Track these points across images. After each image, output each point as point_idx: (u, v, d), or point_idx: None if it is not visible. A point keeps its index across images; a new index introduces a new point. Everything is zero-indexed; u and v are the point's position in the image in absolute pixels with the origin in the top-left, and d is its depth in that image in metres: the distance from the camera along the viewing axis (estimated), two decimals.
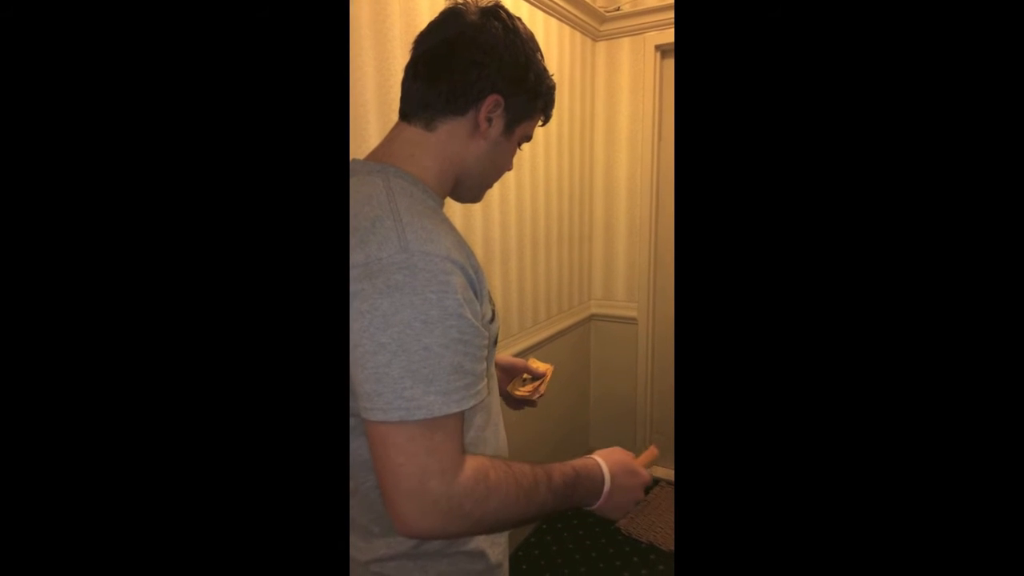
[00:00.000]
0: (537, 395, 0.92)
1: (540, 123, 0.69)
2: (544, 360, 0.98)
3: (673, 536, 1.90)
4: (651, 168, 2.10)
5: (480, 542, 0.66)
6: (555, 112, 0.71)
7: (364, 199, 0.56)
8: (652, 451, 0.75)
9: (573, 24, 1.93)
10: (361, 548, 0.64)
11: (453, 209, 1.48)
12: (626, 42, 2.07)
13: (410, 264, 0.51)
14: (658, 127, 2.08)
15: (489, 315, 0.61)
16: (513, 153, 0.69)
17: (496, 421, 0.69)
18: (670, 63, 2.04)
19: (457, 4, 0.63)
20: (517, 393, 0.91)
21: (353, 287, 0.51)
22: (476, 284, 0.57)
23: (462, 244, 0.59)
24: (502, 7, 0.63)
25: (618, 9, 2.02)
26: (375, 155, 0.64)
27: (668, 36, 1.98)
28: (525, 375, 0.93)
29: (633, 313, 2.24)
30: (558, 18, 1.85)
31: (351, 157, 0.64)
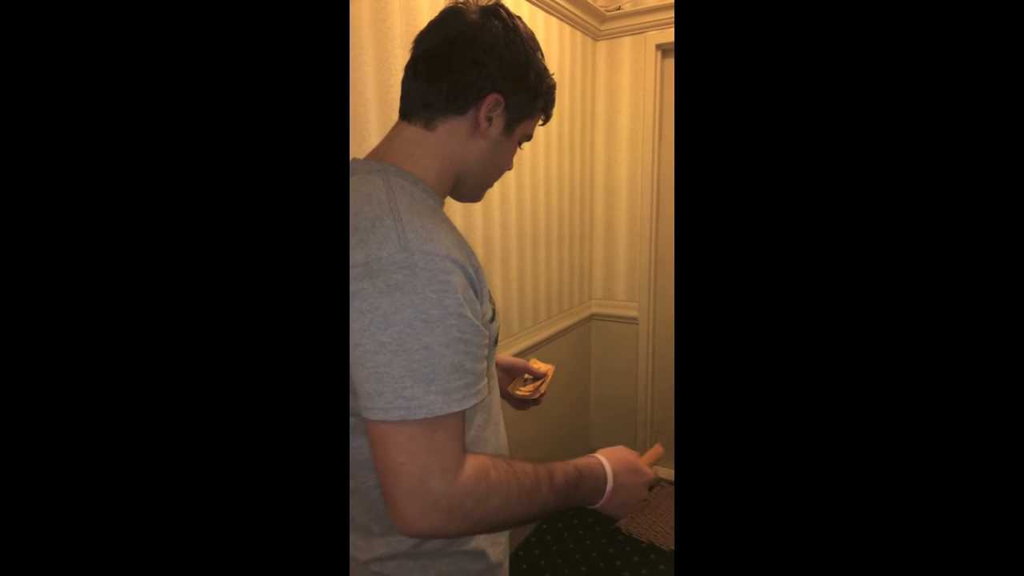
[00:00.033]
0: (538, 395, 0.92)
1: (540, 122, 0.69)
2: (545, 360, 0.98)
3: (673, 536, 1.90)
4: (652, 167, 2.10)
5: (480, 541, 0.66)
6: (556, 111, 0.71)
7: (364, 198, 0.56)
8: (657, 449, 0.75)
9: (574, 23, 1.93)
10: (361, 547, 0.64)
11: (453, 208, 1.48)
12: (627, 41, 2.07)
13: (410, 263, 0.51)
14: (659, 126, 2.08)
15: (489, 314, 0.61)
16: (513, 152, 0.69)
17: (496, 421, 0.69)
18: (671, 62, 2.04)
19: (457, 3, 0.62)
20: (518, 393, 0.91)
21: (353, 286, 0.51)
22: (476, 283, 0.57)
23: (462, 243, 0.59)
24: (502, 6, 0.63)
25: (619, 8, 2.02)
26: (375, 154, 0.64)
27: (669, 35, 1.98)
28: (526, 375, 0.93)
29: (634, 313, 2.24)
30: (559, 17, 1.85)
31: (351, 156, 0.64)
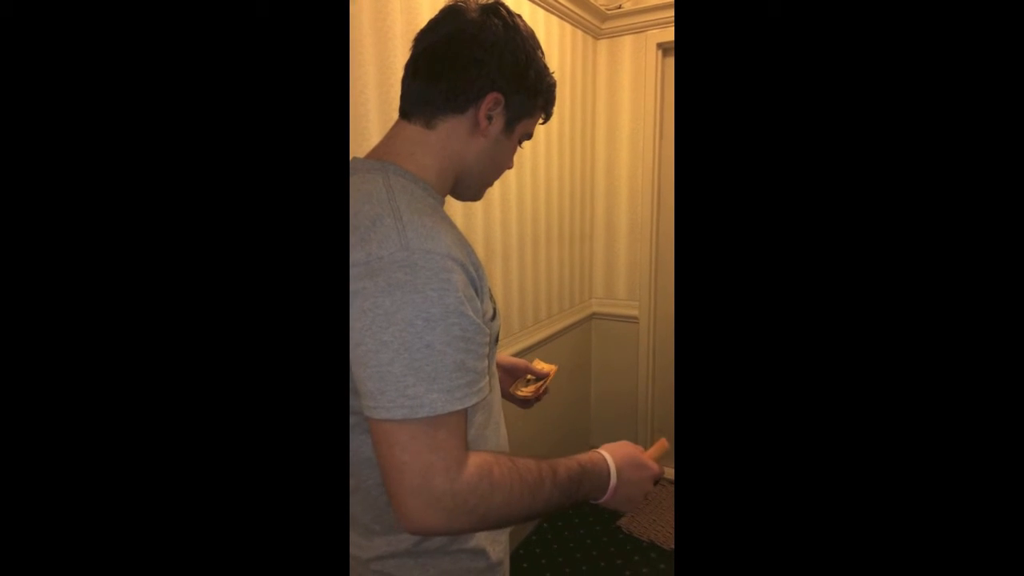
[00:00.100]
0: (540, 395, 0.92)
1: (541, 121, 0.69)
2: (545, 359, 0.98)
3: (674, 534, 1.90)
4: (652, 166, 2.10)
5: (481, 540, 0.66)
6: (556, 110, 0.71)
7: (364, 197, 0.56)
8: (662, 444, 0.75)
9: (574, 22, 1.92)
10: (362, 546, 0.64)
11: (454, 208, 1.48)
12: (628, 40, 2.07)
13: (411, 262, 0.51)
14: (659, 125, 2.08)
15: (490, 313, 0.61)
16: (514, 151, 0.69)
17: (497, 419, 0.69)
18: (672, 61, 2.03)
19: (457, 2, 0.62)
20: (519, 394, 0.91)
21: (354, 285, 0.51)
22: (477, 282, 0.57)
23: (462, 242, 0.59)
24: (503, 5, 0.63)
25: (620, 7, 2.02)
26: (375, 153, 0.64)
27: (670, 34, 1.98)
28: (529, 376, 0.93)
29: (634, 312, 2.24)
30: (559, 16, 1.84)
31: (352, 155, 0.64)
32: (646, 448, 0.72)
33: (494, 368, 0.68)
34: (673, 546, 1.88)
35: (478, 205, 1.57)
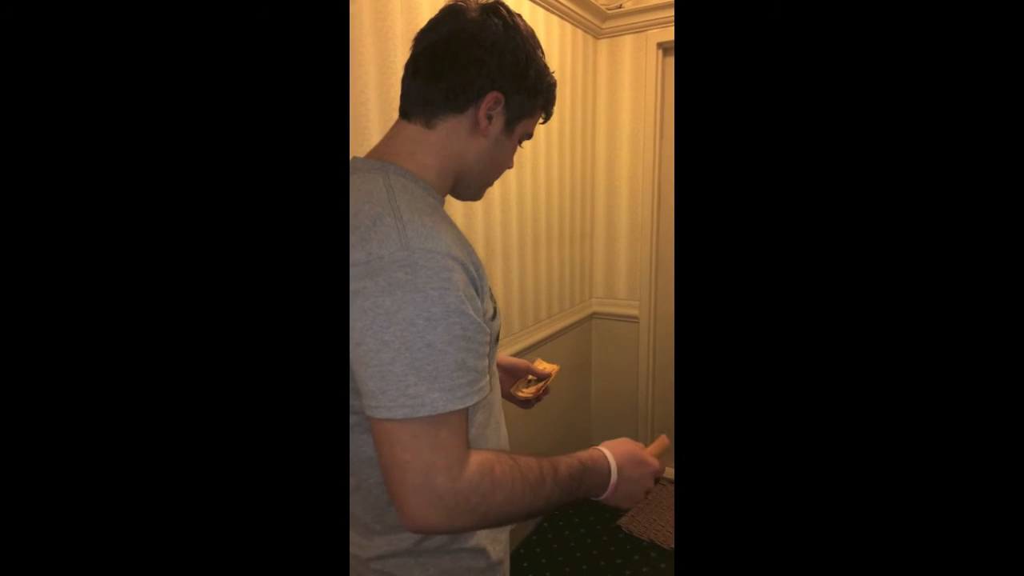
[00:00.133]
0: (541, 395, 0.92)
1: (541, 120, 0.69)
2: (545, 358, 0.98)
3: (674, 534, 1.90)
4: (653, 166, 2.10)
5: (481, 539, 0.66)
6: (556, 110, 0.71)
7: (364, 197, 0.56)
8: (663, 440, 0.75)
9: (575, 22, 1.92)
10: (362, 545, 0.64)
11: (455, 207, 1.48)
12: (628, 40, 2.07)
13: (411, 261, 0.51)
14: (660, 125, 2.08)
15: (491, 312, 0.61)
16: (514, 151, 0.69)
17: (497, 419, 0.69)
18: (672, 61, 2.03)
19: (457, 1, 0.62)
20: (520, 394, 0.91)
21: (354, 285, 0.51)
22: (477, 281, 0.57)
23: (463, 241, 0.59)
24: (502, 4, 0.63)
25: (620, 7, 2.02)
26: (375, 153, 0.64)
27: (670, 34, 1.97)
28: (530, 377, 0.93)
29: (635, 311, 2.24)
30: (559, 16, 1.84)
31: (352, 155, 0.64)
32: (646, 445, 0.72)
33: (494, 368, 0.68)
34: (673, 545, 1.88)
35: (478, 205, 1.57)
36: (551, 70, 0.67)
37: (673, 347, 2.15)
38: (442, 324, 0.51)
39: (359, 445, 0.60)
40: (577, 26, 1.95)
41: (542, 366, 0.93)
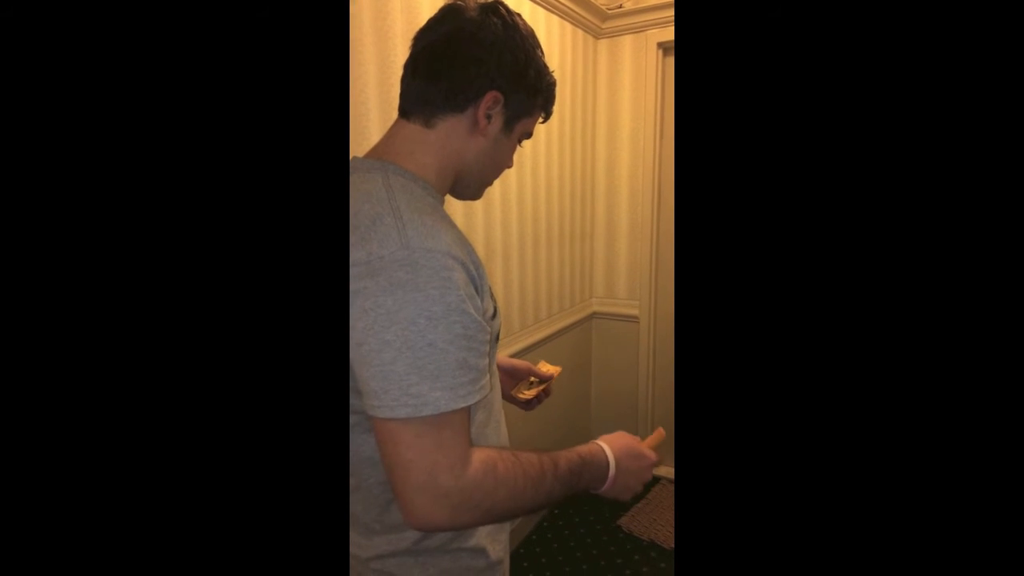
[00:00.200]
0: (542, 396, 0.92)
1: (541, 120, 0.69)
2: (545, 358, 0.97)
3: (674, 534, 1.90)
4: (653, 166, 2.10)
5: (481, 538, 0.67)
6: (557, 110, 0.71)
7: (363, 196, 0.56)
8: (659, 433, 0.76)
9: (575, 22, 1.92)
10: (362, 545, 0.64)
11: (455, 207, 1.48)
12: (628, 39, 2.07)
13: (412, 261, 0.51)
14: (660, 125, 2.08)
15: (491, 311, 0.61)
16: (513, 150, 0.69)
17: (498, 418, 0.69)
18: (672, 60, 2.03)
19: (457, 1, 0.62)
20: (521, 396, 0.91)
21: (354, 285, 0.51)
22: (477, 280, 0.57)
23: (462, 240, 0.59)
24: (502, 4, 0.63)
25: (620, 6, 2.02)
26: (374, 152, 0.64)
27: (670, 34, 1.97)
28: (532, 378, 0.93)
29: (635, 311, 2.24)
30: (560, 16, 1.84)
31: (352, 155, 0.64)
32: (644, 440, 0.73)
33: (495, 367, 0.68)
34: (673, 545, 1.88)
35: (478, 204, 1.57)
36: (551, 69, 0.67)
37: (673, 347, 2.15)
38: (443, 323, 0.51)
39: (359, 445, 0.60)
40: (577, 26, 1.95)
41: (545, 368, 0.93)
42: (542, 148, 1.85)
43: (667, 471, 2.30)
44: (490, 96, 0.61)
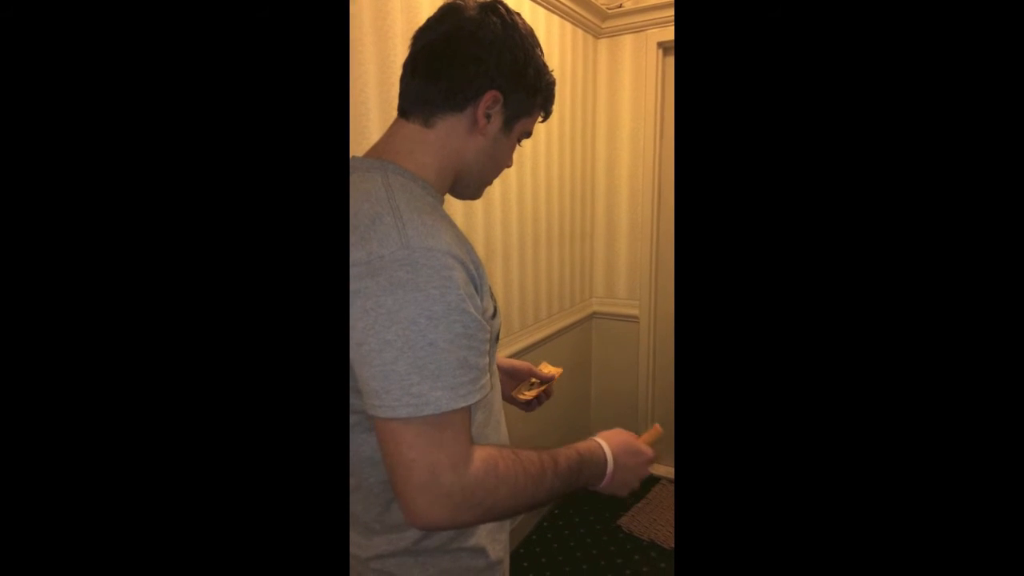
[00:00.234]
0: (543, 397, 0.91)
1: (540, 119, 0.69)
2: (545, 358, 0.97)
3: (674, 534, 1.90)
4: (653, 166, 2.10)
5: (481, 538, 0.67)
6: (557, 110, 0.71)
7: (363, 196, 0.56)
8: (656, 429, 0.77)
9: (575, 21, 1.92)
10: (362, 545, 0.64)
11: (455, 207, 1.48)
12: (628, 39, 2.07)
13: (412, 260, 0.51)
14: (660, 125, 2.08)
15: (491, 310, 0.61)
16: (512, 149, 0.69)
17: (498, 418, 0.69)
18: (672, 60, 2.03)
19: (456, 0, 0.62)
20: (522, 397, 0.90)
21: (355, 285, 0.51)
22: (477, 279, 0.57)
23: (462, 239, 0.59)
24: (501, 3, 0.63)
25: (620, 6, 2.02)
26: (374, 152, 0.64)
27: (670, 33, 1.97)
28: (533, 380, 0.93)
29: (635, 311, 2.24)
30: (560, 15, 1.84)
31: (352, 154, 0.64)
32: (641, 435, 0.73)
33: (495, 366, 0.68)
34: (673, 545, 1.88)
35: (478, 204, 1.57)
36: (550, 69, 0.67)
37: (673, 347, 2.15)
38: (444, 322, 0.51)
39: (359, 445, 0.60)
40: (577, 25, 1.95)
41: (547, 369, 0.93)
42: (542, 148, 1.85)
43: (667, 471, 2.31)
44: (489, 95, 0.61)
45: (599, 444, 0.66)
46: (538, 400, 0.91)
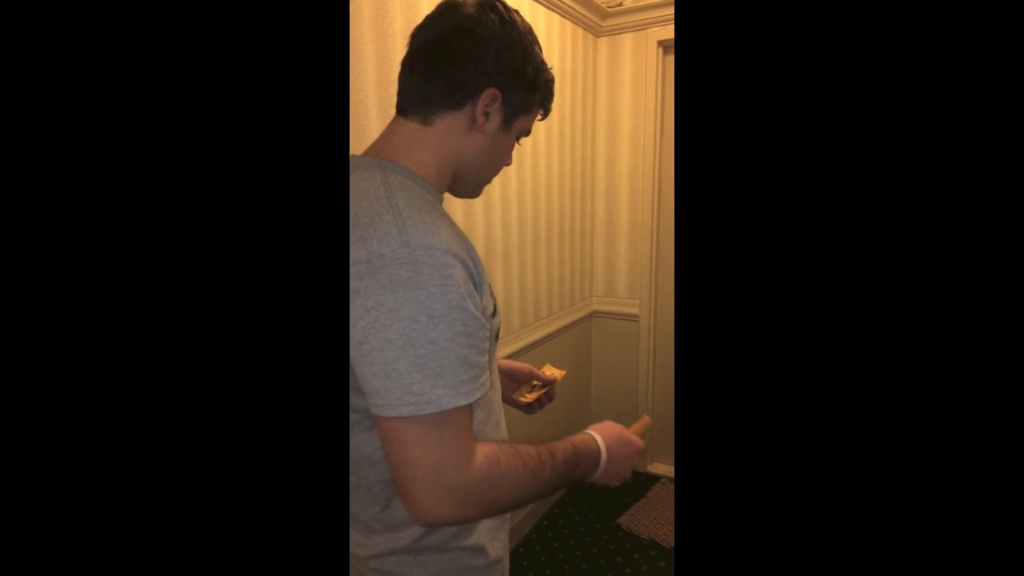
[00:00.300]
0: (546, 401, 0.91)
1: (539, 117, 0.69)
2: (545, 357, 0.97)
3: (674, 532, 1.90)
4: (653, 164, 2.10)
5: (481, 537, 0.67)
6: (557, 108, 0.71)
7: (362, 194, 0.56)
8: (645, 420, 0.80)
9: (575, 20, 1.92)
10: (361, 544, 0.64)
11: (454, 206, 1.48)
12: (628, 38, 2.06)
13: (412, 259, 0.51)
14: (660, 123, 2.08)
15: (491, 309, 0.61)
16: (511, 148, 0.69)
17: (497, 416, 0.69)
18: (672, 59, 2.03)
19: None
20: (523, 399, 0.90)
21: (355, 284, 0.51)
22: (476, 277, 0.57)
23: (462, 238, 0.59)
24: (499, 0, 0.63)
25: (620, 4, 2.01)
26: (372, 150, 0.64)
27: (670, 32, 1.97)
28: (535, 382, 0.92)
29: (635, 310, 2.24)
30: (560, 14, 1.84)
31: (351, 153, 0.64)
32: (645, 441, 0.74)
33: (495, 365, 0.69)
34: (673, 544, 1.89)
35: (478, 203, 1.57)
36: (549, 66, 0.67)
37: (673, 346, 2.15)
38: (444, 321, 0.51)
39: (359, 443, 0.60)
40: (577, 24, 1.95)
41: (550, 371, 0.92)
42: (542, 146, 1.85)
43: (667, 469, 2.31)
44: (488, 93, 0.61)
45: (592, 436, 0.67)
46: (539, 403, 0.91)
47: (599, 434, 0.68)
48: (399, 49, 1.23)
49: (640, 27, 2.02)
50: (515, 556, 1.87)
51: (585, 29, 2.00)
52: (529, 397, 0.90)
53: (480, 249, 1.60)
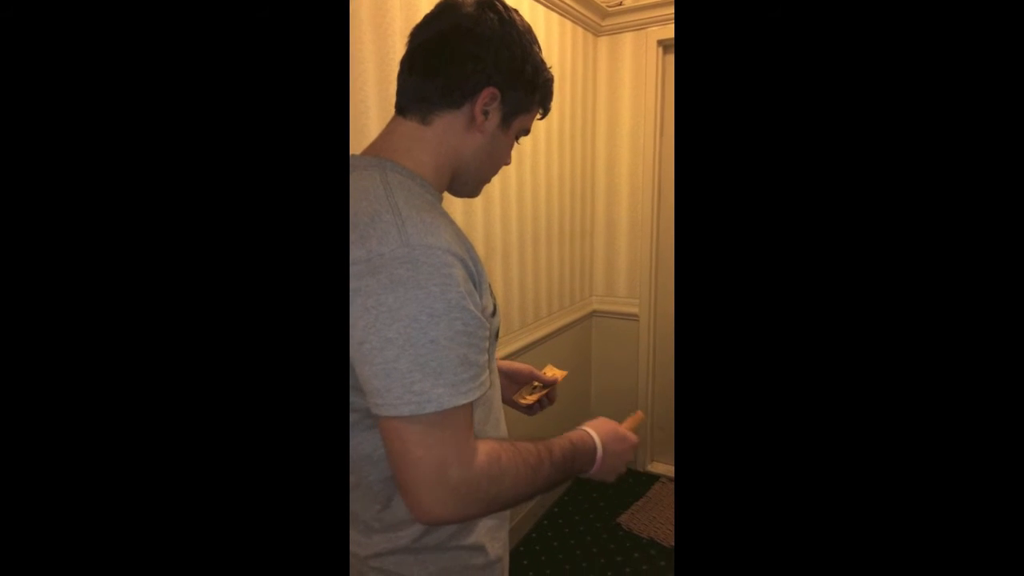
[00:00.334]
0: (547, 403, 0.91)
1: (539, 116, 0.69)
2: (545, 356, 0.97)
3: (673, 531, 1.90)
4: (653, 164, 2.10)
5: (480, 536, 0.67)
6: (556, 108, 0.71)
7: (361, 194, 0.56)
8: (638, 415, 0.81)
9: (575, 19, 1.92)
10: (361, 543, 0.64)
11: (455, 205, 1.48)
12: (628, 37, 2.06)
13: (412, 258, 0.51)
14: (660, 123, 2.08)
15: (490, 308, 0.61)
16: (511, 147, 0.69)
17: (497, 415, 0.69)
18: (672, 58, 2.03)
19: None
20: (523, 400, 0.90)
21: (354, 283, 0.51)
22: (476, 276, 0.57)
23: (461, 237, 0.59)
24: None
25: (620, 4, 2.01)
26: (371, 149, 0.64)
27: (670, 31, 1.97)
28: (536, 383, 0.92)
29: (635, 309, 2.24)
30: (559, 13, 1.84)
31: (351, 152, 0.64)
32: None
33: (494, 364, 0.69)
34: (673, 543, 1.89)
35: (478, 202, 1.57)
36: (548, 66, 0.66)
37: (673, 345, 2.15)
38: (444, 320, 0.51)
39: (359, 443, 0.60)
40: (577, 23, 1.95)
41: (551, 372, 0.92)
42: (542, 146, 1.85)
43: (666, 469, 2.31)
44: (487, 92, 0.60)
45: (588, 432, 0.68)
46: (540, 404, 0.91)
47: (594, 430, 0.69)
48: (399, 49, 1.23)
49: (640, 26, 2.02)
50: (515, 555, 1.87)
51: (585, 28, 2.00)
52: (530, 398, 0.90)
53: (480, 249, 1.60)
